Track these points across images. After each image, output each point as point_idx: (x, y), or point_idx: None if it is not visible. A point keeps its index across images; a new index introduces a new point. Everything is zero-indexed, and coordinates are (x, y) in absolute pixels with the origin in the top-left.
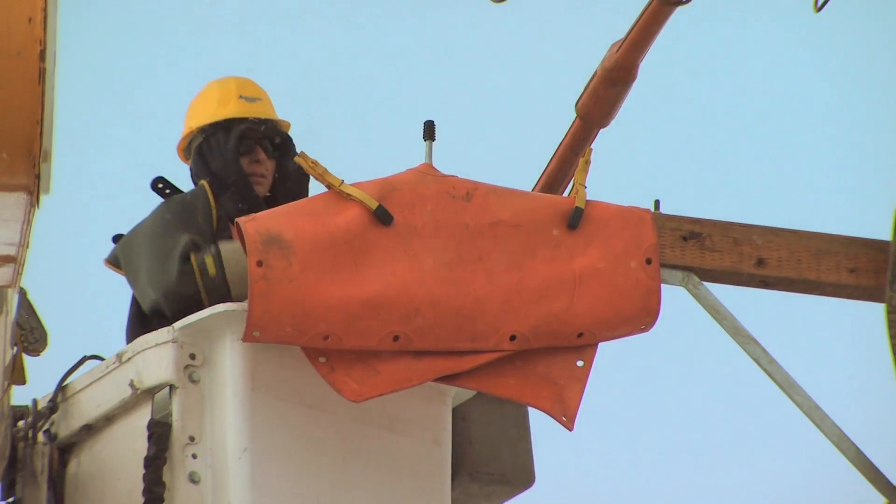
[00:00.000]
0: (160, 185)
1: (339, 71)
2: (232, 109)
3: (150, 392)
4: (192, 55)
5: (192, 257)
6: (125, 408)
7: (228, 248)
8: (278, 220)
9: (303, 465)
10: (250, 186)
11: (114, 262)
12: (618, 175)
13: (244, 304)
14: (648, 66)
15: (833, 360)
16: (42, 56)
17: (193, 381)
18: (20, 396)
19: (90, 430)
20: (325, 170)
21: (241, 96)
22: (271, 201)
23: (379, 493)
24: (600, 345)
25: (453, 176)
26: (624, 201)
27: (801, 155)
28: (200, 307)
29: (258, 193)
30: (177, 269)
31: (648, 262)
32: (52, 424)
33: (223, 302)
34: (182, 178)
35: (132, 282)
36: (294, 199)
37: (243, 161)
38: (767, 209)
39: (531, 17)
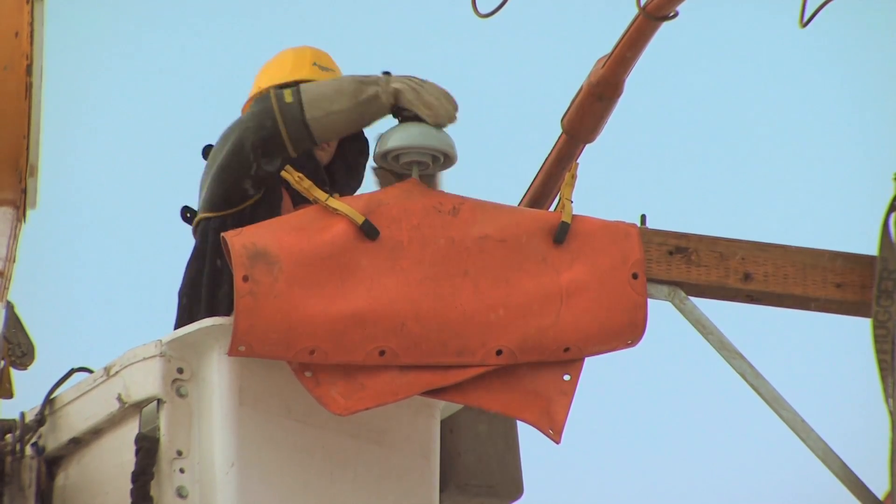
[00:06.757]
0: (188, 214)
1: None
2: (305, 73)
3: (138, 406)
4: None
5: (271, 93)
6: (113, 421)
7: (311, 87)
8: (265, 235)
9: (290, 479)
10: (310, 150)
11: None
12: (604, 190)
13: (231, 319)
14: (634, 81)
15: (819, 374)
16: (29, 70)
17: (181, 396)
18: (8, 410)
19: (78, 443)
20: (312, 184)
21: (314, 63)
22: (329, 172)
23: None
24: (587, 359)
25: (440, 191)
26: (610, 216)
27: (787, 169)
28: (279, 148)
29: (318, 159)
30: (251, 109)
31: (635, 276)
32: (39, 437)
33: (304, 140)
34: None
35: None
36: (350, 176)
37: None
38: (754, 224)
39: (517, 31)
